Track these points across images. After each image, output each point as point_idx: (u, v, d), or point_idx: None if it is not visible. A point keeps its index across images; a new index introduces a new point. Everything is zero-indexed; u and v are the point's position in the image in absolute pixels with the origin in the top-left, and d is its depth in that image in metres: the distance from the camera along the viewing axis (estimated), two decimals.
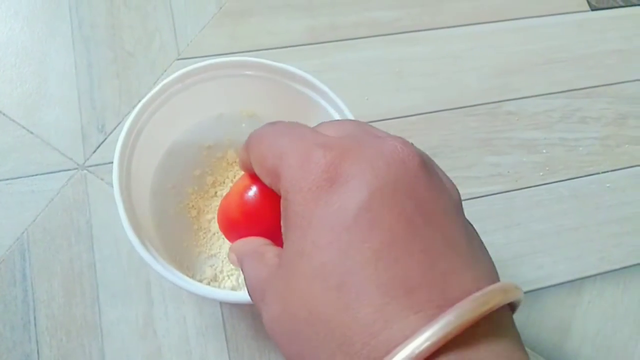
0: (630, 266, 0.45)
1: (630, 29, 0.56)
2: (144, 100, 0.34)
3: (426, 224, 0.16)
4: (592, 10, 0.56)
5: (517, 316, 0.16)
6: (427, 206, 0.16)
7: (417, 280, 0.15)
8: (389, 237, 0.15)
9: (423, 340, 0.14)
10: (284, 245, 0.18)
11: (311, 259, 0.16)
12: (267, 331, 0.18)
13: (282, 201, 0.18)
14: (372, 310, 0.15)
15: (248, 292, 0.19)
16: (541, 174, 0.48)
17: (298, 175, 0.17)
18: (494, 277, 0.17)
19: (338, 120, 0.21)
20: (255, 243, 0.22)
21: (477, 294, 0.15)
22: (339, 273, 0.15)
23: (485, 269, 0.17)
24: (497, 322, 0.15)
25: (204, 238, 0.37)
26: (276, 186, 0.19)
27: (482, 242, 0.18)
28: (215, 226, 0.37)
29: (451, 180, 0.19)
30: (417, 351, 0.14)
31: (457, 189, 0.19)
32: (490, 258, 0.18)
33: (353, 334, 0.15)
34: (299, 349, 0.16)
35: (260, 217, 0.35)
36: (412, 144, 0.18)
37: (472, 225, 0.18)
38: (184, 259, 0.36)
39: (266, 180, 0.20)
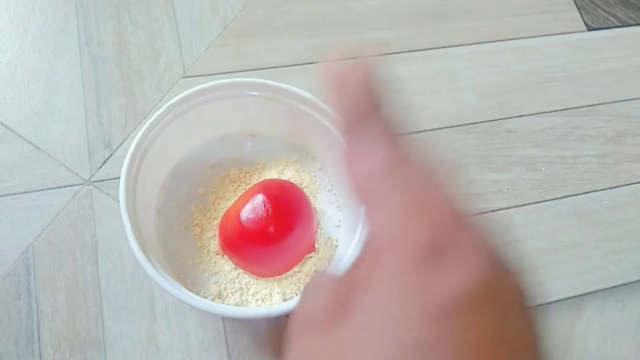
0: (630, 283, 0.46)
1: (626, 48, 0.57)
2: (150, 120, 0.35)
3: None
4: (589, 30, 0.58)
5: None
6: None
7: None
8: None
9: None
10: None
11: None
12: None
13: None
14: None
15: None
16: (540, 191, 0.49)
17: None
18: None
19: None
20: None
21: None
22: None
23: None
24: None
25: (207, 256, 0.37)
26: None
27: None
28: (217, 244, 0.37)
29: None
30: None
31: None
32: None
33: None
34: None
35: (256, 237, 0.35)
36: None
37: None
38: (188, 276, 0.36)
39: None
